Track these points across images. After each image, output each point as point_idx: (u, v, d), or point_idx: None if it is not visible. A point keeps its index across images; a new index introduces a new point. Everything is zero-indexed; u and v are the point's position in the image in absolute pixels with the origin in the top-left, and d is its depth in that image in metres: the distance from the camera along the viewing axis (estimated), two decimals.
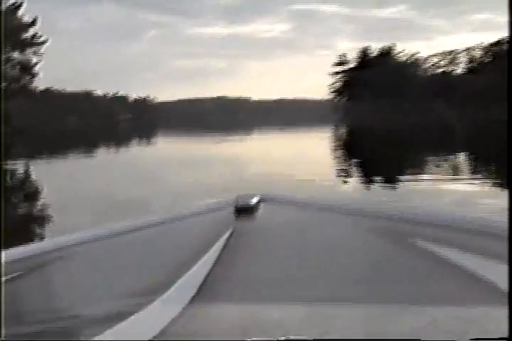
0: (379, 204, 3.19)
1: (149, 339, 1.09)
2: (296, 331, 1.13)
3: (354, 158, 20.05)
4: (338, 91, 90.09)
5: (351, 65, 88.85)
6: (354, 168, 16.40)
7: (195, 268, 1.72)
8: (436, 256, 1.67)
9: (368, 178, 13.74)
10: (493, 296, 1.32)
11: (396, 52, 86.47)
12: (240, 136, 46.28)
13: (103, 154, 29.39)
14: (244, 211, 2.40)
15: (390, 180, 13.03)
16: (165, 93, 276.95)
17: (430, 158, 18.49)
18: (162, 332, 1.13)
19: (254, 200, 2.50)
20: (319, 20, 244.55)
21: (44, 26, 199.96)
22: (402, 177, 13.47)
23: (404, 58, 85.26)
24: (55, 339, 1.26)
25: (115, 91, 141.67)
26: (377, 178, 13.23)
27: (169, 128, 73.49)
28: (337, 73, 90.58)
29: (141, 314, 1.30)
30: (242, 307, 1.38)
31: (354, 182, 13.12)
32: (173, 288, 1.52)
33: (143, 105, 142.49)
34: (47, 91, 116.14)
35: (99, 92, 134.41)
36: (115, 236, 2.37)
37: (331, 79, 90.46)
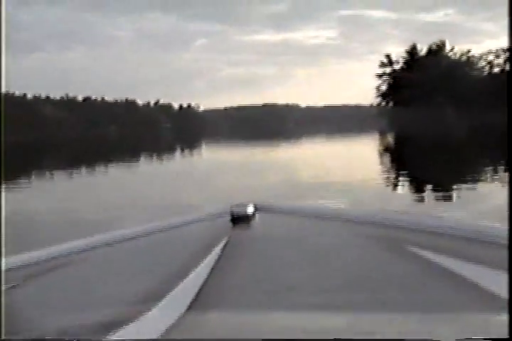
0: (376, 212, 3.27)
1: None
2: (293, 338, 1.16)
3: (402, 168, 18.51)
4: (384, 95, 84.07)
5: (398, 66, 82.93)
6: (402, 179, 15.35)
7: (191, 276, 1.82)
8: (432, 263, 1.77)
9: (419, 190, 13.03)
10: (490, 303, 1.38)
11: (447, 49, 79.98)
12: (288, 143, 45.80)
13: (146, 164, 28.94)
14: (239, 220, 2.54)
15: (443, 189, 12.24)
16: (212, 101, 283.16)
17: (493, 170, 15.83)
18: (159, 339, 1.15)
19: (250, 209, 2.63)
20: (366, 25, 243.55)
21: (94, 35, 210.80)
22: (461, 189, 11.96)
23: (457, 56, 79.17)
24: None
25: (156, 99, 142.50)
26: (429, 189, 12.67)
27: (215, 137, 72.86)
28: (382, 75, 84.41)
29: (137, 322, 1.35)
30: (238, 316, 1.44)
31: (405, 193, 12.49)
32: (169, 296, 1.59)
33: (187, 113, 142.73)
34: (88, 101, 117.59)
35: (140, 101, 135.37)
36: (111, 245, 2.50)
37: (376, 82, 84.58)
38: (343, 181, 14.40)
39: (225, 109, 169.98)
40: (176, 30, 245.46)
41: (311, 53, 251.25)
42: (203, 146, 49.85)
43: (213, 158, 32.05)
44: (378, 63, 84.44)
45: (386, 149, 32.90)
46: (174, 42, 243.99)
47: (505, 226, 1.97)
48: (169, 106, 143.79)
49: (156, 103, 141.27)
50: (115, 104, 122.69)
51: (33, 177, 22.25)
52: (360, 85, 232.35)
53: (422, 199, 11.75)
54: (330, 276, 1.80)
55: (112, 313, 1.54)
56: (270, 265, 2.00)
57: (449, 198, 11.40)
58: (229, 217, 2.54)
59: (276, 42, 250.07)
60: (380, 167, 19.81)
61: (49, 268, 2.16)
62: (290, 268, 1.94)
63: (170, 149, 44.73)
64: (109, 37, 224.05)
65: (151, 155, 35.95)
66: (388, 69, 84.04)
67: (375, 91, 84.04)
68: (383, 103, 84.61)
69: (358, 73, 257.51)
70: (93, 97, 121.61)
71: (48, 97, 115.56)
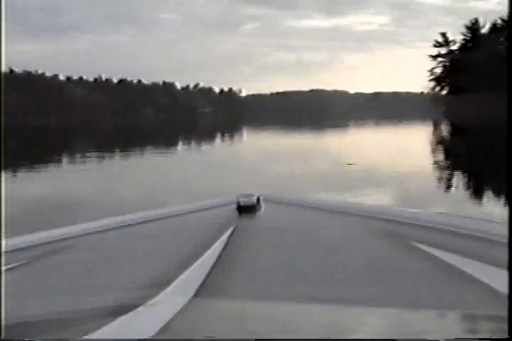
0: (381, 207, 3.52)
1: (152, 333, 1.16)
2: (296, 328, 1.22)
3: (459, 166, 16.65)
4: (439, 79, 74.58)
5: (455, 47, 73.31)
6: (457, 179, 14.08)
7: (197, 263, 1.92)
8: (437, 259, 1.87)
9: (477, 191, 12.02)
10: (492, 300, 1.46)
11: None
12: (335, 130, 44.80)
13: (184, 151, 27.97)
14: (246, 209, 2.72)
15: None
16: (259, 86, 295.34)
17: None
18: (165, 326, 1.21)
19: (256, 199, 2.80)
20: (418, 12, 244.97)
21: (143, 18, 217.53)
22: None
23: None
24: (57, 331, 1.35)
25: (196, 83, 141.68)
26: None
27: (258, 122, 71.57)
28: (437, 56, 74.55)
29: (144, 307, 1.41)
30: (243, 304, 1.53)
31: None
32: (176, 283, 1.68)
33: (228, 97, 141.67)
34: (123, 83, 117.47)
35: (179, 84, 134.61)
36: (120, 229, 2.67)
37: (430, 65, 74.80)
38: (388, 177, 13.54)
39: (271, 94, 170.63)
40: (226, 14, 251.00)
41: (362, 39, 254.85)
42: (245, 133, 49.02)
43: (255, 145, 30.96)
44: (433, 43, 75.44)
45: (441, 141, 29.88)
46: (223, 26, 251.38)
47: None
48: (209, 90, 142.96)
49: (196, 86, 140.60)
50: (152, 86, 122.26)
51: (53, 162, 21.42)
52: (410, 72, 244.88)
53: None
54: (335, 268, 1.92)
55: (120, 298, 1.60)
56: (276, 254, 2.12)
57: None
58: (235, 207, 2.74)
59: (327, 27, 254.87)
60: (431, 162, 17.79)
61: (56, 250, 2.31)
62: (295, 258, 2.06)
63: (209, 135, 43.73)
64: (158, 20, 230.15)
65: (189, 142, 35.13)
66: (444, 50, 74.69)
67: (428, 74, 75.74)
68: (437, 88, 76.28)
69: (409, 60, 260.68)
70: (128, 79, 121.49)
71: (81, 78, 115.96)
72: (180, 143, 34.48)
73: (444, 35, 75.18)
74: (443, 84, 76.28)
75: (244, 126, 63.81)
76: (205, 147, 30.62)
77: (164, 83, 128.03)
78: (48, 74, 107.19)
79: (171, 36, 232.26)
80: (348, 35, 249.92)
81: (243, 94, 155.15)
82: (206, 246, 2.12)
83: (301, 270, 1.89)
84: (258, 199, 2.87)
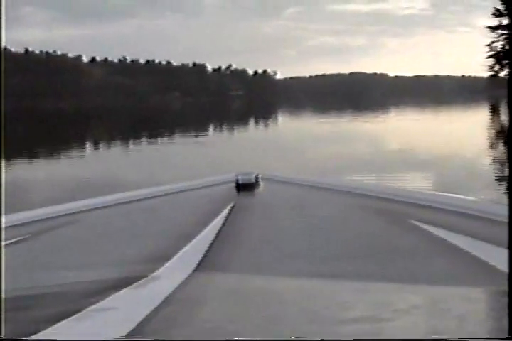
0: (377, 186, 4.14)
1: (155, 305, 1.23)
2: (293, 304, 1.29)
3: None
4: (499, 56, 63.51)
5: None
6: None
7: (198, 238, 2.06)
8: (435, 237, 1.99)
9: None
10: (490, 277, 1.54)
11: None
12: (375, 115, 44.04)
13: (211, 139, 27.90)
14: (244, 187, 2.94)
15: None
16: (299, 70, 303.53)
17: None
18: (167, 298, 1.30)
19: (254, 177, 3.04)
20: None
21: (186, 3, 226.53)
22: None
23: None
24: (60, 303, 1.42)
25: (228, 64, 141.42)
26: None
27: (295, 106, 71.19)
28: (496, 28, 62.05)
29: (146, 280, 1.50)
30: (242, 278, 1.63)
31: None
32: (177, 257, 1.82)
33: (262, 80, 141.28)
34: (150, 64, 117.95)
35: (210, 66, 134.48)
36: (121, 205, 2.88)
37: (488, 38, 61.93)
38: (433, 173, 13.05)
39: (310, 77, 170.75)
40: None
41: (402, 24, 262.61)
42: (280, 117, 48.79)
43: (291, 132, 30.40)
44: (492, 11, 65.49)
45: (500, 132, 24.69)
46: (266, 11, 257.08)
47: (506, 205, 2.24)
48: (243, 72, 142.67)
49: (228, 68, 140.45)
50: (181, 68, 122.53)
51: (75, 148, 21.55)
52: (450, 56, 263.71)
53: None
54: (332, 244, 2.02)
55: (123, 271, 1.71)
56: (274, 231, 2.25)
57: None
58: (234, 184, 2.95)
59: (368, 12, 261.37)
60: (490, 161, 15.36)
61: (57, 225, 2.46)
62: (293, 235, 2.19)
63: (241, 121, 43.57)
64: (201, 4, 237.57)
65: (219, 128, 34.97)
66: (506, 20, 62.30)
67: (487, 50, 63.63)
68: (497, 67, 64.10)
69: (450, 45, 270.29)
70: (157, 61, 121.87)
71: (105, 60, 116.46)
72: (209, 130, 34.41)
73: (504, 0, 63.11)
74: (504, 62, 69.03)
75: (279, 109, 63.52)
76: (236, 134, 30.48)
77: (195, 64, 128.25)
78: (71, 55, 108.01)
79: (214, 21, 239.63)
80: (389, 19, 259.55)
81: (278, 76, 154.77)
82: (206, 222, 2.26)
83: (298, 246, 2.02)
84: (256, 178, 3.06)
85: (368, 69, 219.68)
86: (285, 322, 1.14)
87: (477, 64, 73.77)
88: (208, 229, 2.17)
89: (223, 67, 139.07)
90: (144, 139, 25.30)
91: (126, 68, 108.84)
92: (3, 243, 1.87)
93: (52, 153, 19.36)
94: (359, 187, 3.34)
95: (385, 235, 2.16)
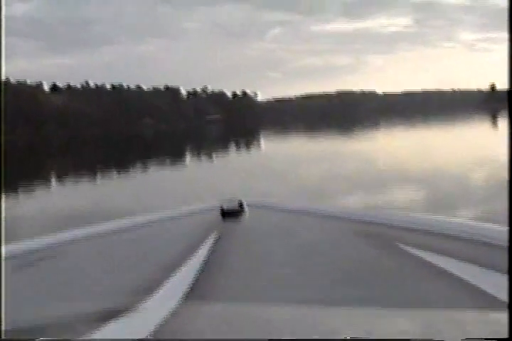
0: (364, 210, 4.22)
1: (143, 337, 1.30)
2: (284, 331, 1.35)
3: None
4: None
5: None
6: None
7: (184, 267, 2.18)
8: (423, 261, 2.10)
9: None
10: (480, 300, 1.65)
11: None
12: (364, 134, 45.13)
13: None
14: (229, 214, 3.09)
15: None
16: (284, 91, 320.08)
17: None
18: (156, 329, 1.36)
19: (240, 205, 3.21)
20: (440, 12, 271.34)
21: (167, 28, 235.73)
22: None
23: None
24: (49, 336, 1.46)
25: (204, 86, 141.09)
26: None
27: (278, 128, 71.44)
28: None
29: (135, 312, 1.59)
30: (230, 306, 1.70)
31: None
32: (165, 287, 1.92)
33: (243, 102, 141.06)
34: (119, 89, 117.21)
35: (184, 89, 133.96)
36: (106, 236, 3.03)
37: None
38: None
39: (296, 98, 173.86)
40: (250, 22, 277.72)
41: (385, 41, 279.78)
42: (263, 142, 48.66)
43: (274, 157, 29.74)
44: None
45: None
46: (247, 33, 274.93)
47: (496, 227, 2.41)
48: (220, 94, 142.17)
49: (204, 90, 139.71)
50: (153, 93, 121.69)
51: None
52: (438, 71, 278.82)
53: None
54: (321, 271, 2.13)
55: (110, 303, 1.78)
56: (259, 259, 2.39)
57: None
58: (219, 212, 3.11)
59: (350, 31, 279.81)
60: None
61: (41, 258, 2.59)
62: (280, 263, 2.31)
63: (220, 147, 43.04)
64: (182, 29, 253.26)
65: (197, 156, 34.57)
66: None
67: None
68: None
69: (435, 60, 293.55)
70: (125, 85, 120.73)
71: (69, 87, 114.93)
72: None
73: None
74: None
75: (263, 133, 64.01)
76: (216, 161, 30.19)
77: (167, 88, 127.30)
78: (29, 82, 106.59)
79: (196, 45, 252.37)
80: (372, 37, 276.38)
81: (260, 97, 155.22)
82: (192, 251, 2.42)
83: (286, 273, 2.14)
84: (241, 205, 3.23)
85: (355, 88, 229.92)
86: None
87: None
88: (193, 258, 2.31)
89: (199, 89, 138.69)
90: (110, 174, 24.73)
91: (91, 95, 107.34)
92: None
93: None
94: (346, 211, 3.57)
95: (372, 259, 2.29)
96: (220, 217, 3.04)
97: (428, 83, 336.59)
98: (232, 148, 40.08)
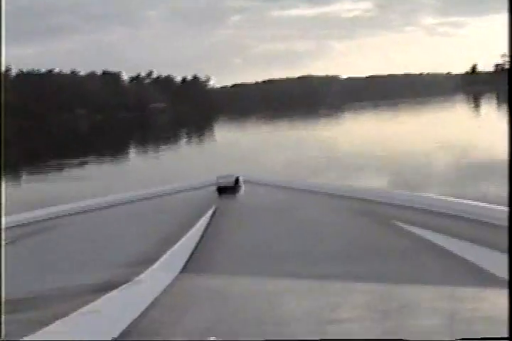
0: (360, 188, 4.55)
1: (140, 309, 1.41)
2: (279, 303, 1.47)
3: None
4: None
5: None
6: None
7: (182, 241, 2.42)
8: (417, 237, 2.31)
9: None
10: (476, 277, 1.78)
11: None
12: (327, 121, 46.81)
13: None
14: (225, 190, 3.70)
15: None
16: (246, 77, 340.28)
17: None
18: (153, 302, 1.49)
19: (235, 180, 3.90)
20: None
21: (126, 16, 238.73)
22: None
23: None
24: (46, 307, 1.63)
25: (149, 71, 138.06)
26: None
27: (235, 116, 69.97)
28: None
29: (131, 284, 1.70)
30: (226, 280, 1.83)
31: None
32: (161, 260, 2.10)
33: (192, 88, 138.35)
34: (50, 74, 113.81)
35: (126, 74, 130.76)
36: (105, 209, 3.56)
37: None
38: None
39: (256, 83, 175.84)
40: (211, 7, 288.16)
41: (348, 26, 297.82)
42: (215, 130, 48.66)
43: (226, 147, 30.26)
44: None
45: None
46: (209, 20, 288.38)
47: (496, 206, 2.61)
48: (168, 80, 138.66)
49: (149, 75, 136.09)
50: (90, 78, 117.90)
51: None
52: (402, 55, 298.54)
53: None
54: (316, 245, 2.27)
55: (108, 275, 1.92)
56: (255, 233, 2.61)
57: None
58: (215, 188, 3.66)
59: (312, 16, 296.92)
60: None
61: (42, 229, 2.91)
62: (274, 237, 2.52)
63: (168, 139, 41.07)
64: (144, 17, 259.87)
65: (141, 150, 33.51)
66: None
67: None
68: None
69: (398, 44, 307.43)
70: (56, 70, 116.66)
71: None
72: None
73: None
74: None
75: (220, 120, 64.22)
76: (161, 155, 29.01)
77: (105, 73, 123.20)
78: None
79: (158, 32, 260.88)
80: (334, 22, 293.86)
81: (216, 83, 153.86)
82: (189, 225, 2.73)
83: (280, 247, 2.32)
84: (237, 181, 4.14)
85: (318, 73, 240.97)
86: (273, 322, 1.30)
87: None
88: (191, 232, 2.57)
89: (143, 74, 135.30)
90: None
91: (15, 83, 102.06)
92: None
93: None
94: (341, 188, 4.16)
95: (370, 237, 2.43)
96: (216, 193, 3.77)
97: (394, 67, 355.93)
98: (178, 140, 39.41)
